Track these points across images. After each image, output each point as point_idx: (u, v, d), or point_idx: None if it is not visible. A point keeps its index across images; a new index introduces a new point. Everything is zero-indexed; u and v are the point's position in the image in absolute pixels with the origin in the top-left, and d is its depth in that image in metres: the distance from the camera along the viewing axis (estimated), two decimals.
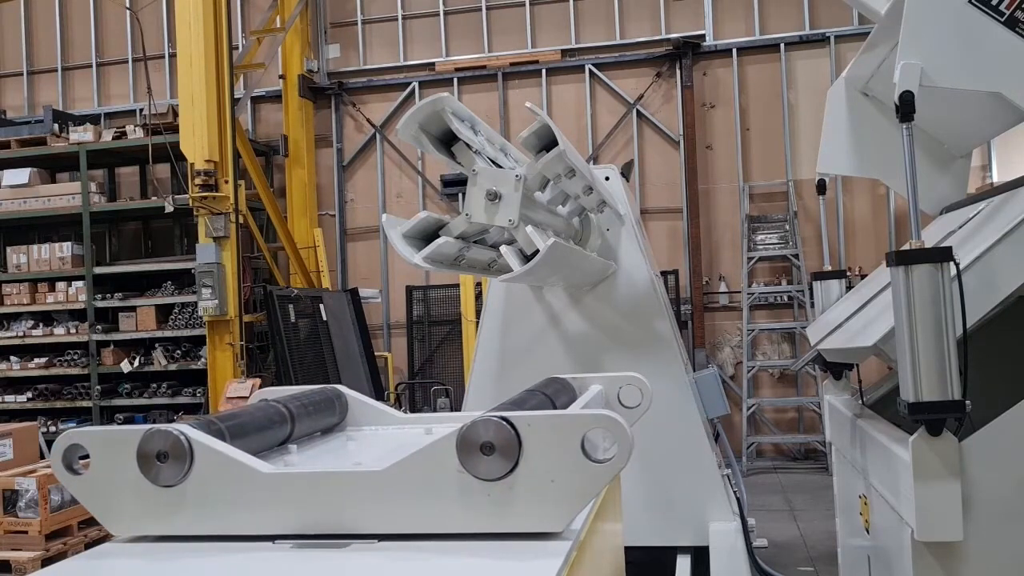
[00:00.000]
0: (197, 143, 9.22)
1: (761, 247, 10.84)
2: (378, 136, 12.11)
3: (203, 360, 10.23)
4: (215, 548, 1.83)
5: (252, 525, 1.85)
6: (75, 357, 11.24)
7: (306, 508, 1.83)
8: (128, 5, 12.17)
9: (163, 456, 1.86)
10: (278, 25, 11.73)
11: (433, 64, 12.05)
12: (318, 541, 1.81)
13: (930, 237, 4.05)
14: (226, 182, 9.29)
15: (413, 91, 11.96)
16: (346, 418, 2.73)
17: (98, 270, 11.23)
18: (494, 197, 2.86)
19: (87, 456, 1.94)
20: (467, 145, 2.95)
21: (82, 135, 11.30)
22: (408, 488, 1.79)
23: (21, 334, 11.40)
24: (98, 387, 11.01)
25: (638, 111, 11.38)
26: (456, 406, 9.77)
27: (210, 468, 1.86)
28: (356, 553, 1.75)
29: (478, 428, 1.74)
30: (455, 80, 11.89)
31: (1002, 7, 3.14)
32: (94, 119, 12.53)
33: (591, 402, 2.62)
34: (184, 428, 1.88)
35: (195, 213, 9.41)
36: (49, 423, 11.07)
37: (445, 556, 1.71)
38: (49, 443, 9.78)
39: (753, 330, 10.69)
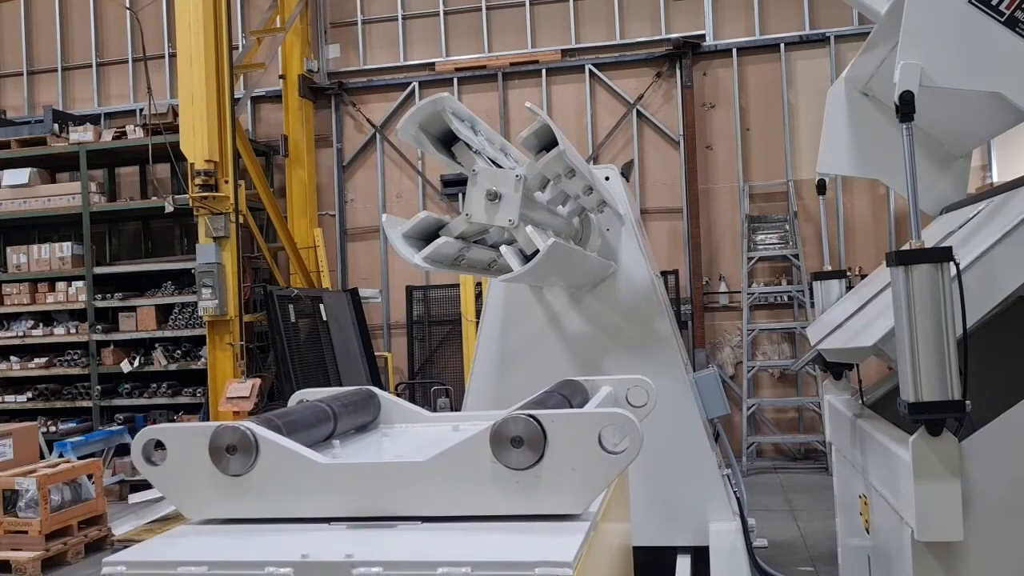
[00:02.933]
0: (197, 143, 9.22)
1: (761, 247, 10.83)
2: (378, 136, 12.10)
3: (203, 360, 10.23)
4: (277, 528, 2.07)
5: (310, 509, 2.09)
6: (75, 357, 11.24)
7: (358, 494, 2.07)
8: (128, 5, 12.18)
9: (232, 449, 2.11)
10: (278, 25, 11.73)
11: (433, 64, 12.05)
12: (369, 523, 2.05)
13: (930, 237, 4.05)
14: (226, 182, 9.29)
15: (413, 91, 11.96)
16: (379, 416, 2.98)
17: (98, 270, 11.23)
18: (494, 197, 2.86)
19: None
20: (467, 145, 2.95)
21: (82, 135, 11.30)
22: (448, 476, 2.03)
23: (21, 334, 11.40)
24: (98, 387, 11.01)
25: (638, 111, 11.38)
26: (456, 406, 9.78)
27: (273, 460, 2.11)
28: (403, 532, 2.00)
29: (509, 424, 1.99)
30: (455, 80, 11.89)
31: (1002, 7, 3.13)
32: (94, 119, 12.53)
33: (603, 402, 2.84)
34: (250, 425, 2.14)
35: (195, 213, 9.41)
36: (49, 423, 11.07)
37: (481, 534, 1.95)
38: (49, 443, 9.81)
39: (753, 330, 10.69)
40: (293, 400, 2.89)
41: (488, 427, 2.02)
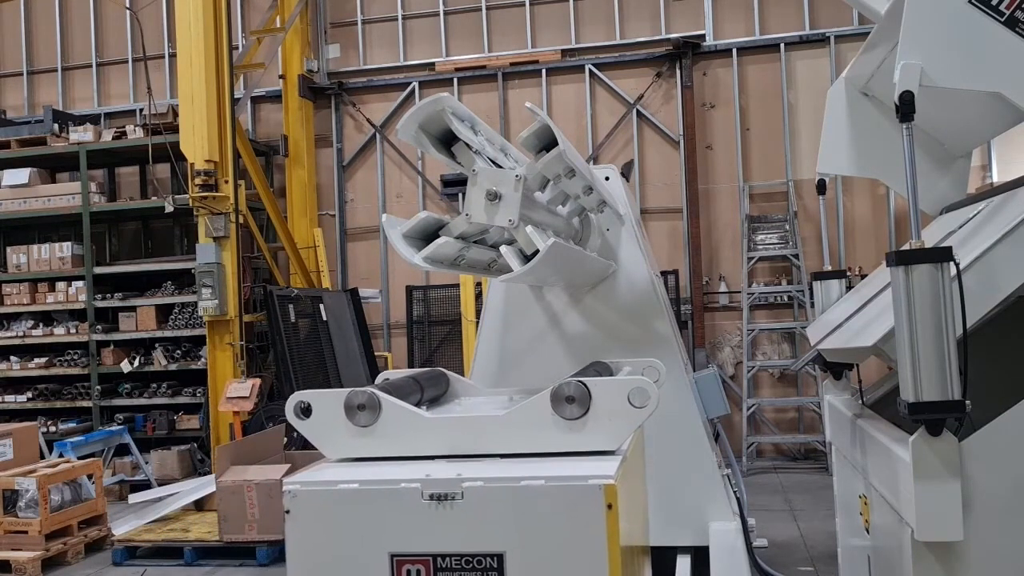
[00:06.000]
0: (197, 143, 9.22)
1: (761, 247, 10.83)
2: (378, 136, 12.11)
3: (203, 360, 10.23)
4: (398, 463, 2.75)
5: (419, 449, 2.79)
6: (75, 357, 11.24)
7: (454, 439, 2.78)
8: (128, 5, 12.18)
9: (361, 407, 2.81)
10: (278, 25, 11.73)
11: (433, 64, 12.05)
12: (464, 458, 2.74)
13: (930, 237, 4.05)
14: (226, 182, 9.29)
15: (413, 91, 11.96)
16: (448, 390, 3.67)
17: (98, 270, 11.23)
18: (494, 197, 2.85)
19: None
20: (467, 145, 2.95)
21: (82, 135, 11.30)
22: (519, 425, 2.75)
23: (21, 334, 11.40)
24: (98, 387, 11.01)
25: (638, 111, 11.38)
26: None
27: (393, 415, 2.81)
28: (487, 462, 2.70)
29: (564, 388, 2.72)
30: (455, 80, 11.89)
31: (1002, 7, 3.14)
32: (94, 119, 12.53)
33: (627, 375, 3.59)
34: (373, 389, 2.84)
35: (195, 213, 9.41)
36: (49, 423, 11.07)
37: (546, 463, 2.63)
38: (49, 443, 9.81)
39: (753, 330, 10.68)
40: (379, 379, 3.48)
41: (548, 390, 2.73)
